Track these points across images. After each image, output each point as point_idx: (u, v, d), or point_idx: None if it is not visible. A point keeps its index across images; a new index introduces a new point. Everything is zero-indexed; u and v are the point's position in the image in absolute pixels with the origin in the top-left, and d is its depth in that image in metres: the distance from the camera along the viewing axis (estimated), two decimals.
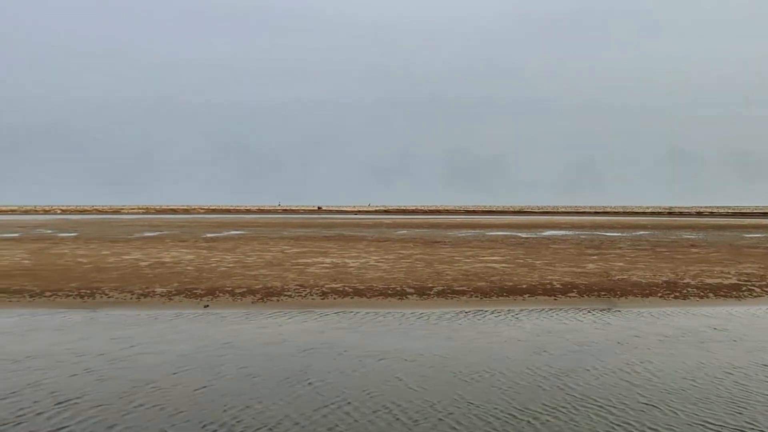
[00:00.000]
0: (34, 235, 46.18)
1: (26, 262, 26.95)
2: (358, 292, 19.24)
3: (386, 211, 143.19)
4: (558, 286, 20.64)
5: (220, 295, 18.94)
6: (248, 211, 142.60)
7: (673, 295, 19.22)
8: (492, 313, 16.53)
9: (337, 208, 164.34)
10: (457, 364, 11.35)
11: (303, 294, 19.03)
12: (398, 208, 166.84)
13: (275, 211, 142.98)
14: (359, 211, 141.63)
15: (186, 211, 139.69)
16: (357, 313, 16.43)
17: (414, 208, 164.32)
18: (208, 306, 17.41)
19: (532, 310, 16.99)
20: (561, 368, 11.12)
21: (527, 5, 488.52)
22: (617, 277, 22.70)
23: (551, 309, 17.15)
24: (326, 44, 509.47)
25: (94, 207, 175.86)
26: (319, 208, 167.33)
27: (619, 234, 50.77)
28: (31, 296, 18.79)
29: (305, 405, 9.10)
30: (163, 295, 18.85)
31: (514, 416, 8.68)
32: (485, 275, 22.83)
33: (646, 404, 9.21)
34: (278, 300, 18.23)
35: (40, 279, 21.76)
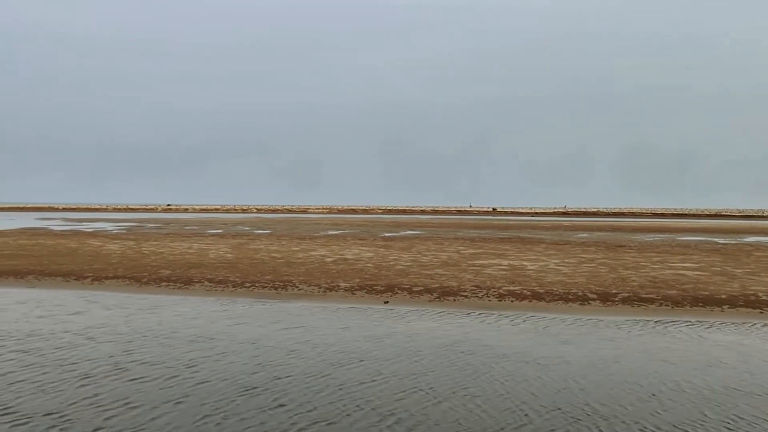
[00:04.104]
0: (234, 232, 51.05)
1: (229, 255, 29.90)
2: (536, 296, 18.80)
3: (564, 213, 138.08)
4: (764, 297, 18.53)
5: (399, 292, 19.54)
6: (423, 212, 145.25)
7: None
8: (686, 324, 15.27)
9: (511, 210, 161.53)
10: (662, 377, 10.68)
11: (479, 295, 19.01)
12: (577, 210, 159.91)
13: (449, 212, 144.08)
14: (535, 213, 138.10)
15: (365, 211, 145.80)
16: (536, 316, 16.07)
17: (595, 210, 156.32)
18: (387, 302, 18.06)
19: (732, 323, 15.43)
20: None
21: None
22: None
23: (756, 323, 15.44)
24: (488, 42, 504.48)
25: (285, 206, 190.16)
26: (494, 209, 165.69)
27: None
28: (233, 286, 20.82)
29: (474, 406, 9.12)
30: (346, 290, 19.89)
31: None
32: (676, 283, 21.15)
33: None
34: (454, 300, 18.38)
35: (240, 271, 24.04)
